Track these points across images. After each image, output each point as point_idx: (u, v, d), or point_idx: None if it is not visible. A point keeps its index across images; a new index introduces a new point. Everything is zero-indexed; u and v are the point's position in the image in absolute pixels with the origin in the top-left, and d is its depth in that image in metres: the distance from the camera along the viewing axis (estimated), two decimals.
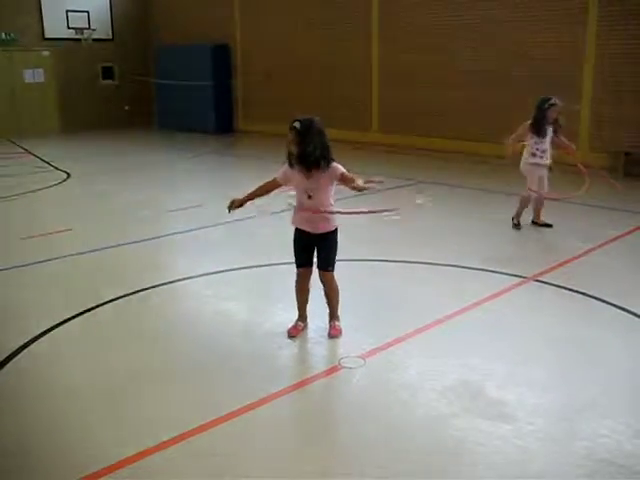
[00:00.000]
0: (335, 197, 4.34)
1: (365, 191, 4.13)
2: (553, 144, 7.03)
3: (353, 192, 4.25)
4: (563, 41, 11.09)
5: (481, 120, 12.12)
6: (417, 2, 13.17)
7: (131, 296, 5.33)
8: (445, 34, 12.74)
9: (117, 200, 9.28)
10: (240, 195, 4.39)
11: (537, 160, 6.98)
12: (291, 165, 4.20)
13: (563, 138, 7.04)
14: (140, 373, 4.09)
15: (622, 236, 6.94)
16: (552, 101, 6.83)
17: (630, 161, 10.35)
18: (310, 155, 4.05)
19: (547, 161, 6.98)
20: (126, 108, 19.12)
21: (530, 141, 6.98)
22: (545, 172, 7.06)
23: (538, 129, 6.88)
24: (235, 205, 4.35)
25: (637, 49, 10.31)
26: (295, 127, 4.07)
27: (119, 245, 6.83)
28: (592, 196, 8.66)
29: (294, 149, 4.11)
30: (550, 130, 6.93)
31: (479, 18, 12.18)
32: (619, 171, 10.33)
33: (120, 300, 5.24)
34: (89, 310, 5.02)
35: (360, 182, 4.04)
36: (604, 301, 5.07)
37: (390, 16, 13.73)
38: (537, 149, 6.96)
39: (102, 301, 5.17)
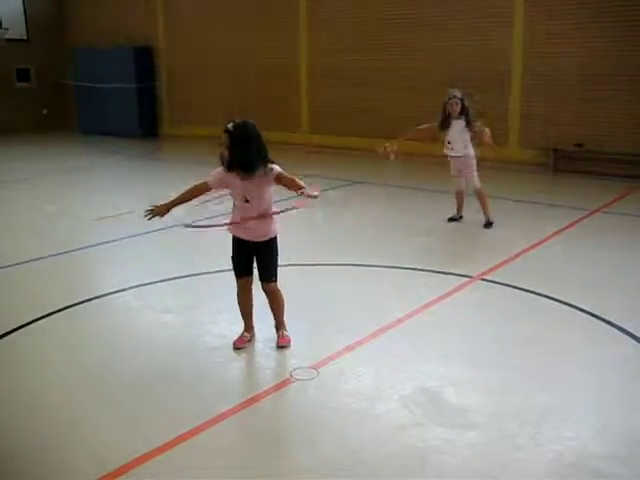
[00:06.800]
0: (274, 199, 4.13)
1: (305, 194, 3.86)
2: (474, 137, 7.05)
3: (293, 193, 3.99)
4: (491, 40, 11.21)
5: (414, 120, 12.07)
6: None
7: (58, 313, 4.91)
8: (376, 33, 12.67)
9: (39, 209, 8.69)
10: (165, 200, 4.05)
11: (447, 152, 7.13)
12: (227, 169, 3.97)
13: (480, 127, 6.95)
14: (74, 401, 3.72)
15: (561, 231, 7.00)
16: (449, 94, 6.98)
17: (559, 157, 10.55)
18: (245, 159, 3.87)
19: (455, 153, 7.04)
20: (44, 112, 18.22)
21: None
22: (463, 165, 7.06)
23: (440, 121, 7.06)
24: (160, 212, 3.98)
25: (565, 47, 10.50)
26: (229, 130, 3.89)
27: (42, 258, 6.34)
28: (528, 193, 8.79)
29: (228, 153, 3.91)
30: (459, 122, 6.94)
31: (410, 17, 12.15)
32: (549, 167, 10.53)
33: (46, 319, 4.81)
34: (11, 332, 4.58)
35: (301, 183, 3.90)
36: (552, 298, 5.03)
37: (318, 14, 13.57)
38: (446, 141, 7.11)
39: (26, 320, 4.73)
